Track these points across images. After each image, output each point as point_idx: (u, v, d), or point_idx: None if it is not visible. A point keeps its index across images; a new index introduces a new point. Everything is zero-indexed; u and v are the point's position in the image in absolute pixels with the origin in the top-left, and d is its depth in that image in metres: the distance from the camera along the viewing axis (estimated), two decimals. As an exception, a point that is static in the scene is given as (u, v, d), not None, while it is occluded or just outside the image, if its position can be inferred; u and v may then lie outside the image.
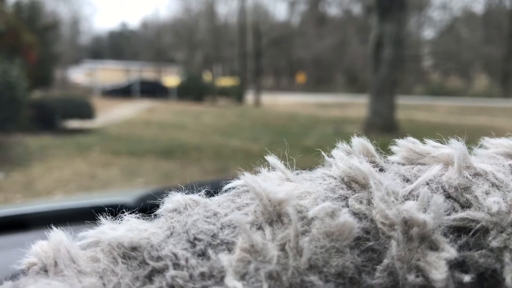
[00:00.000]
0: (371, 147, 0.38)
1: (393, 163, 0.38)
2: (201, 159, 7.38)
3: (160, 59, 33.85)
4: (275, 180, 0.35)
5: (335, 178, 0.35)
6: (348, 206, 0.32)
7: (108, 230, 0.31)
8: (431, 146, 0.39)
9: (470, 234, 0.32)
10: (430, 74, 34.41)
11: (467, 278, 0.31)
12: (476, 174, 0.35)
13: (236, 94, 24.79)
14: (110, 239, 0.31)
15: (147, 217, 1.01)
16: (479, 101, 24.52)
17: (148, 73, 31.60)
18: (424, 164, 0.37)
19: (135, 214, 1.05)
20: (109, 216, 1.02)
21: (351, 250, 0.31)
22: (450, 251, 0.31)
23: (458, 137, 0.39)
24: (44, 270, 0.30)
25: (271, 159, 0.38)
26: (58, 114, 10.60)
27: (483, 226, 0.32)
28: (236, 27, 29.77)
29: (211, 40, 33.05)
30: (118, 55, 36.54)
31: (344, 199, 0.33)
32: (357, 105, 19.00)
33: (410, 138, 0.40)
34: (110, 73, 29.64)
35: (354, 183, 0.34)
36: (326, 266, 0.30)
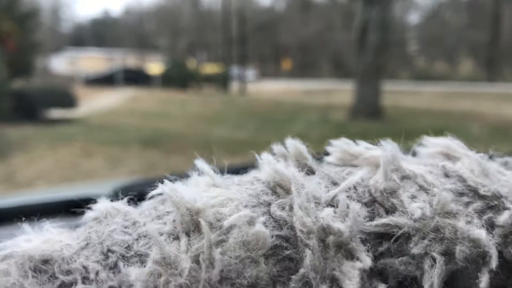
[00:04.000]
0: (303, 149, 0.36)
1: (327, 164, 0.36)
2: (187, 148, 7.31)
3: (144, 47, 33.53)
4: (202, 186, 0.34)
5: (263, 183, 0.33)
6: (269, 213, 0.32)
7: (23, 242, 0.31)
8: (363, 147, 0.36)
9: (392, 240, 0.32)
10: (415, 59, 34.55)
11: (381, 287, 0.31)
12: (405, 177, 0.33)
13: (221, 82, 24.66)
14: (23, 252, 0.30)
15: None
16: (465, 86, 24.68)
17: (131, 61, 31.29)
18: (356, 166, 0.35)
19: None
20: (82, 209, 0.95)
21: (267, 259, 0.30)
22: (365, 260, 0.31)
23: (394, 139, 0.37)
24: None
25: (200, 163, 0.37)
26: (39, 104, 10.46)
27: (405, 232, 0.32)
28: (220, 13, 29.53)
29: (194, 26, 32.80)
30: (100, 43, 36.09)
31: (267, 205, 0.32)
32: (343, 91, 18.98)
33: (344, 139, 0.37)
34: (93, 61, 29.33)
35: (279, 188, 0.33)
36: (240, 277, 0.30)
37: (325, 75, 33.74)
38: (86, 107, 12.69)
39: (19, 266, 0.29)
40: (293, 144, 0.36)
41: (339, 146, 0.37)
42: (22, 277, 0.29)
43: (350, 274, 0.29)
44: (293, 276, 0.30)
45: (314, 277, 0.30)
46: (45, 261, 0.29)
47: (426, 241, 0.31)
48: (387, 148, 0.35)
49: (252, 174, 0.36)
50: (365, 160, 0.35)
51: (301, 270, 0.30)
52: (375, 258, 0.31)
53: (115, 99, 16.52)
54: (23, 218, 0.90)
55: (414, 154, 0.39)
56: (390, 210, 0.32)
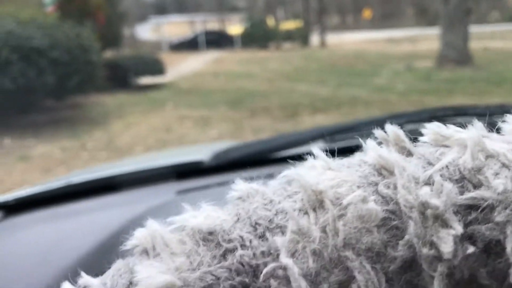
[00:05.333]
0: (401, 134, 0.43)
1: (422, 145, 0.44)
2: (270, 106, 7.44)
3: (223, 8, 33.68)
4: (319, 169, 0.42)
5: (369, 165, 0.41)
6: (377, 191, 0.39)
7: (190, 218, 0.39)
8: (453, 130, 0.43)
9: (479, 210, 0.38)
10: (508, -2, 32.05)
11: (471, 249, 0.37)
12: (489, 156, 0.40)
13: (301, 37, 24.38)
14: (193, 226, 0.39)
15: (223, 174, 1.11)
16: None
17: (212, 23, 31.56)
18: (448, 146, 0.42)
19: (212, 172, 1.15)
20: (187, 174, 1.13)
21: (378, 229, 0.37)
22: (457, 228, 0.37)
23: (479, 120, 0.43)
24: (145, 252, 0.38)
25: (316, 150, 0.43)
26: (130, 72, 10.93)
27: (490, 203, 0.37)
28: (296, -33, 28.90)
29: (272, -17, 32.34)
30: (182, 8, 36.67)
31: (375, 185, 0.39)
32: (429, 38, 18.16)
33: (436, 123, 0.44)
34: (176, 27, 29.92)
35: (384, 170, 0.40)
36: (358, 243, 0.37)
37: (408, 22, 32.24)
38: (173, 72, 13.11)
39: (191, 237, 0.39)
40: (392, 130, 0.44)
41: (432, 129, 0.44)
42: (195, 245, 0.38)
43: (445, 239, 0.37)
44: (400, 241, 0.38)
45: (417, 242, 0.38)
46: (211, 233, 0.39)
47: (508, 211, 0.37)
48: (474, 131, 0.42)
49: (358, 157, 0.43)
50: (455, 141, 0.42)
51: (406, 237, 0.38)
52: (465, 226, 0.38)
53: (199, 62, 16.90)
54: (136, 185, 1.08)
55: (498, 130, 0.45)
56: (477, 185, 0.39)
